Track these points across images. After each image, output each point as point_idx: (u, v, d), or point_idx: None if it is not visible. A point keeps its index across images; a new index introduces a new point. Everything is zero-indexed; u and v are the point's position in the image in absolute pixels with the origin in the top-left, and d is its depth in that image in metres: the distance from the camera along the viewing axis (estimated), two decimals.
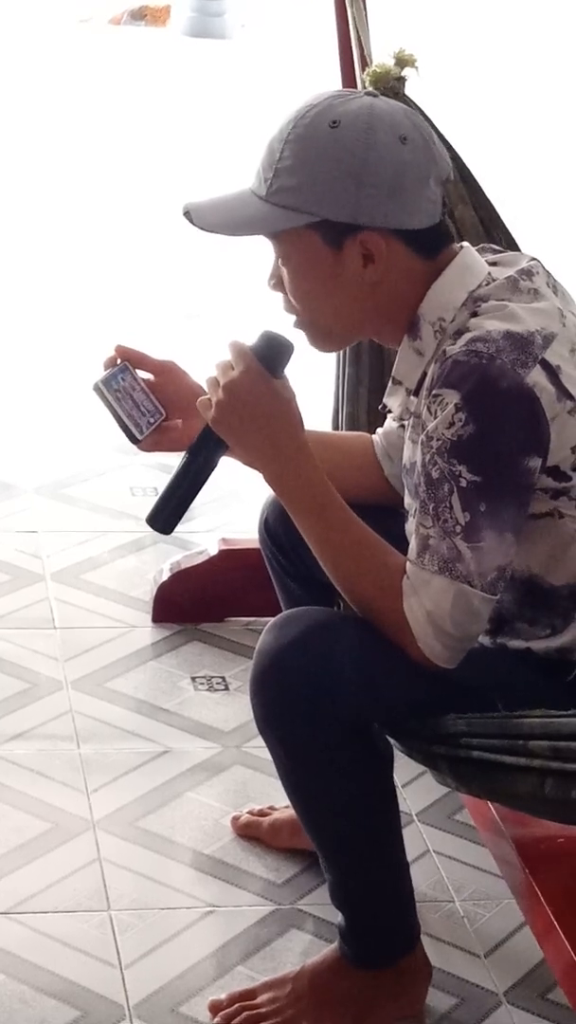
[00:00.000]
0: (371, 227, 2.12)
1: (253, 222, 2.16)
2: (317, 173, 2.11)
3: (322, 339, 2.25)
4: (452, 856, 2.73)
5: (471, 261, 2.19)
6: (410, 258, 2.16)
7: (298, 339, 2.21)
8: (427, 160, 2.13)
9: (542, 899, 2.12)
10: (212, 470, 2.22)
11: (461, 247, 2.20)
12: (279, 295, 2.22)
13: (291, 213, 2.13)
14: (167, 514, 2.22)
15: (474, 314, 2.13)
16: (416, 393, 2.20)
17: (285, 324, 2.22)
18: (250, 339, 2.18)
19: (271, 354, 2.17)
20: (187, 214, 2.18)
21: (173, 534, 2.30)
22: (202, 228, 2.18)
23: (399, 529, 2.25)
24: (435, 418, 2.08)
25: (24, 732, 2.96)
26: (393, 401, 2.26)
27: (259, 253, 2.23)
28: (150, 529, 2.23)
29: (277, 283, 2.22)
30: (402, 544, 2.17)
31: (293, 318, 2.23)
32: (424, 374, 2.18)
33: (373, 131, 2.10)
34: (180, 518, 2.23)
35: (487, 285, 2.16)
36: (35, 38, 9.19)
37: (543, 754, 1.97)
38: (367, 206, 2.11)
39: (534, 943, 2.30)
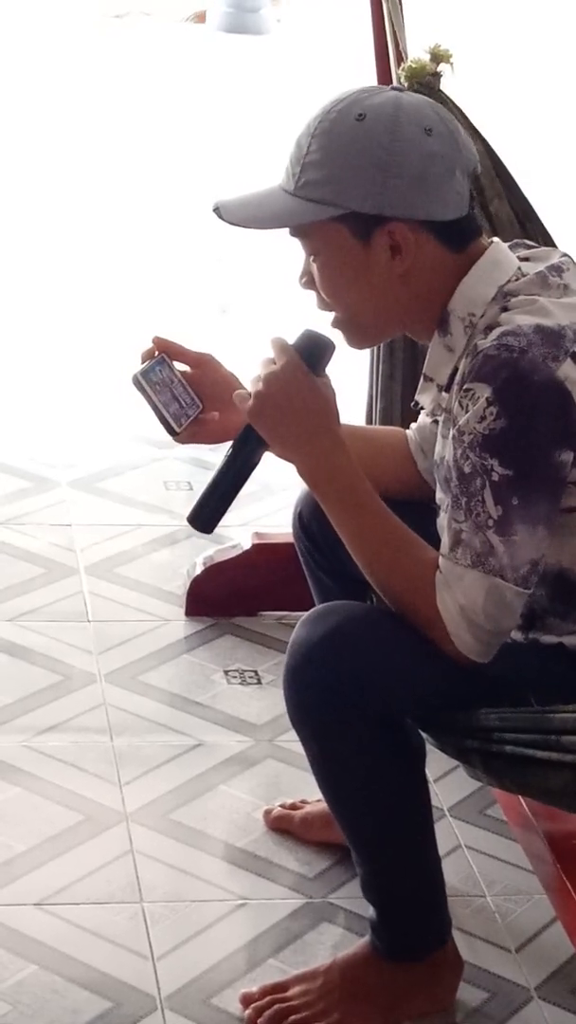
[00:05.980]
0: (398, 218, 2.12)
1: (281, 215, 2.16)
2: (343, 165, 2.11)
3: (357, 335, 2.25)
4: (483, 851, 2.73)
5: (501, 256, 2.19)
6: (438, 250, 2.16)
7: (337, 339, 2.22)
8: (453, 151, 2.13)
9: (573, 894, 2.12)
10: (253, 469, 2.22)
11: (491, 242, 2.20)
12: (312, 293, 2.23)
13: (318, 206, 2.14)
14: (208, 513, 2.22)
15: (504, 309, 2.13)
16: (447, 389, 2.20)
17: (322, 321, 2.23)
18: (290, 336, 2.19)
19: (312, 351, 2.17)
20: (216, 210, 2.19)
21: None
22: (231, 223, 2.18)
23: (433, 524, 2.25)
24: (466, 412, 2.08)
25: (57, 724, 2.97)
26: (425, 398, 2.26)
27: (292, 247, 2.23)
28: (184, 524, 2.23)
29: (309, 281, 2.22)
30: (436, 540, 2.17)
31: (331, 317, 2.23)
32: (455, 369, 2.18)
33: (398, 123, 2.11)
34: (221, 517, 2.23)
35: (517, 280, 2.16)
36: (70, 33, 9.21)
37: None
38: (393, 197, 2.11)
39: (566, 938, 2.30)
